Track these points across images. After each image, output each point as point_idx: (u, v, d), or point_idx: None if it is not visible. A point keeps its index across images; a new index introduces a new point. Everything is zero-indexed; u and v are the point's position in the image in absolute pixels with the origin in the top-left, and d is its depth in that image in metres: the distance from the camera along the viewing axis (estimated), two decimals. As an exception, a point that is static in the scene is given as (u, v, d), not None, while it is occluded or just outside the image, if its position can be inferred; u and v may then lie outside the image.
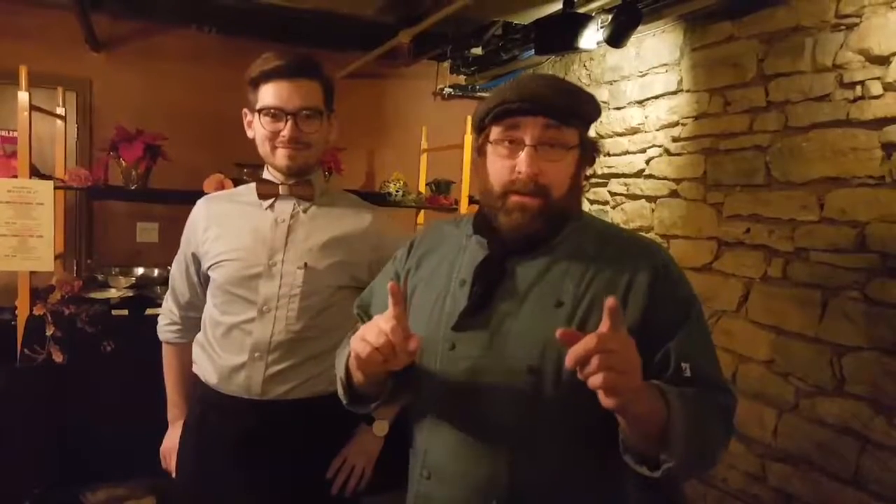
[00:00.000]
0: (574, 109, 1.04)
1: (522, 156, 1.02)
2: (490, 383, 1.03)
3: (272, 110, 1.41)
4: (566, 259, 1.06)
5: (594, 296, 1.01)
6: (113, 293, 2.80)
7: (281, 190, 1.50)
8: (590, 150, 1.09)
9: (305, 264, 1.45)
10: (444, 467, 1.09)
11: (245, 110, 1.50)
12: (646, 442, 0.91)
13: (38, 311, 2.44)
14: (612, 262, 1.04)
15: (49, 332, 2.40)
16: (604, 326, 0.82)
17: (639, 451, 0.93)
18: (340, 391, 1.16)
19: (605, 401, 0.82)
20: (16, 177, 2.43)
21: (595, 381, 0.80)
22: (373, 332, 0.93)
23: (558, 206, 1.05)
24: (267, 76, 1.42)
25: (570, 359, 0.81)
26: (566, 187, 1.05)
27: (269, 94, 1.42)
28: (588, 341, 0.80)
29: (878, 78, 2.09)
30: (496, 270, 1.07)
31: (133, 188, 2.80)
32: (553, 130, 1.03)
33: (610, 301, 0.83)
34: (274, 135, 1.43)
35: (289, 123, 1.41)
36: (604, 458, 1.03)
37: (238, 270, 1.46)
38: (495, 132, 1.06)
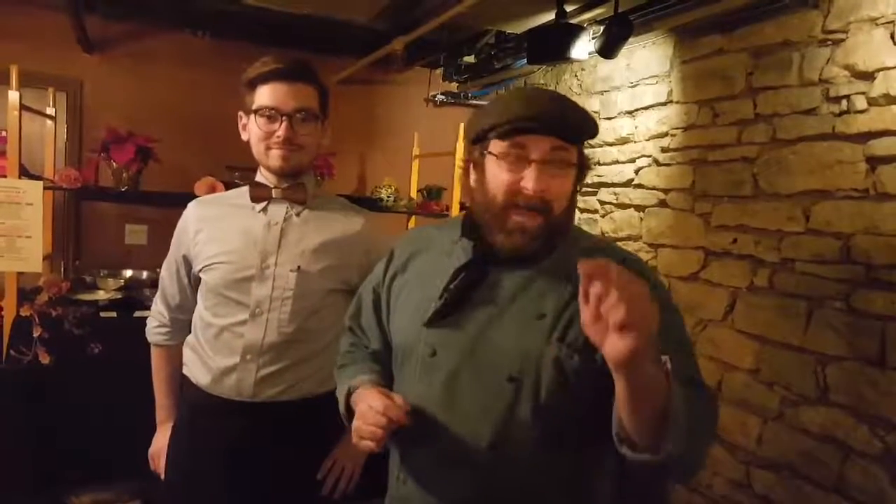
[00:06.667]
0: (581, 129, 1.05)
1: (530, 172, 1.02)
2: (468, 390, 1.05)
3: (268, 110, 1.42)
4: (551, 273, 1.07)
5: (574, 311, 1.00)
6: (101, 295, 2.79)
7: (274, 193, 1.50)
8: (584, 167, 1.10)
9: (299, 267, 1.46)
10: (419, 471, 1.11)
11: (240, 113, 1.51)
12: (642, 426, 0.86)
13: (25, 312, 2.42)
14: None
15: (36, 334, 2.38)
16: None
17: (633, 442, 0.89)
18: (343, 413, 1.19)
19: (620, 343, 0.77)
20: (5, 176, 2.41)
21: (618, 314, 0.76)
22: (373, 418, 1.02)
23: (557, 222, 1.05)
24: (265, 78, 1.43)
25: (588, 268, 0.78)
26: (566, 203, 1.07)
27: (265, 94, 1.43)
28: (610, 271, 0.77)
29: (863, 93, 2.13)
30: (476, 275, 1.08)
31: (123, 190, 2.79)
32: (560, 150, 1.03)
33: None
34: (268, 135, 1.44)
35: (283, 124, 1.42)
36: (579, 463, 1.05)
37: (230, 273, 1.46)
38: (499, 146, 1.04)
